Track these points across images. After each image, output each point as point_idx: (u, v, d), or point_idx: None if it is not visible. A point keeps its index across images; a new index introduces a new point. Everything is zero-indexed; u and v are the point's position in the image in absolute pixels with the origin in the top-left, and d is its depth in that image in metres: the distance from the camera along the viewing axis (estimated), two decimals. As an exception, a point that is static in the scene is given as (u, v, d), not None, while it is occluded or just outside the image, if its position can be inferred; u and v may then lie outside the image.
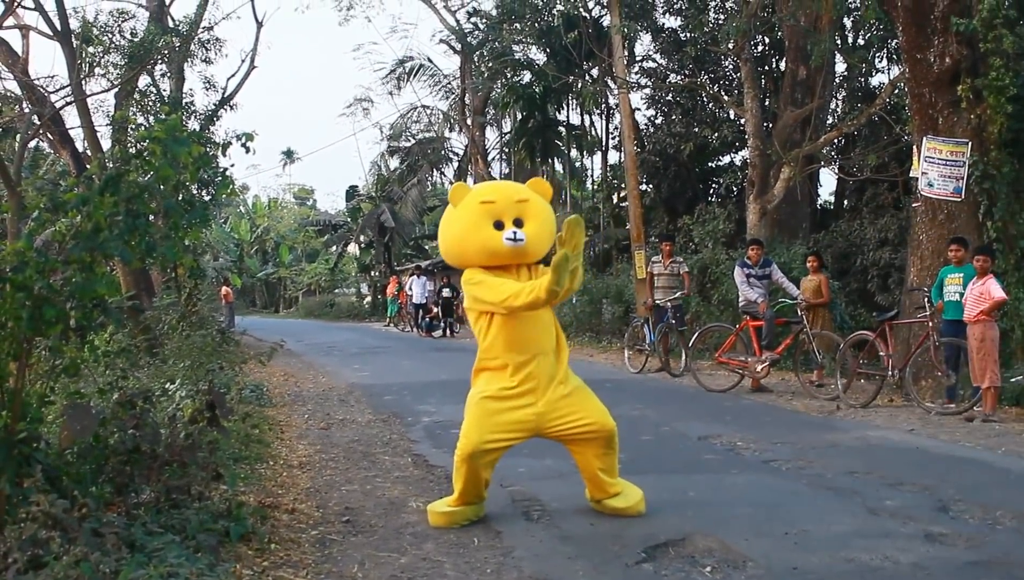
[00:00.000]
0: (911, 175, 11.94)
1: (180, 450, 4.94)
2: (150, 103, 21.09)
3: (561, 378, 5.42)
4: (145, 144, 4.77)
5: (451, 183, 40.07)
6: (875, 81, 22.37)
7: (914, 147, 11.72)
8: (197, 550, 4.27)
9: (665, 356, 14.41)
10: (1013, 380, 10.09)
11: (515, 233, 5.36)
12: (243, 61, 23.23)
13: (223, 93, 23.04)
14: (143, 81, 21.43)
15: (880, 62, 21.33)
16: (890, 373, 10.41)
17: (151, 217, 4.66)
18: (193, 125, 20.92)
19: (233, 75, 24.18)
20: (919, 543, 4.92)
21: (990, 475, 6.86)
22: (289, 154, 71.63)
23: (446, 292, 26.16)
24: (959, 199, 11.05)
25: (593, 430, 5.41)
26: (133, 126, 15.76)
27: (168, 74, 22.04)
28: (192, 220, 4.91)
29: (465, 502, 5.38)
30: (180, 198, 4.93)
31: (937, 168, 11.13)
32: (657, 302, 14.31)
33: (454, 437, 8.26)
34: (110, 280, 4.34)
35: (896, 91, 16.41)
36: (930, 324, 10.07)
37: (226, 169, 6.32)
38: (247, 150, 5.62)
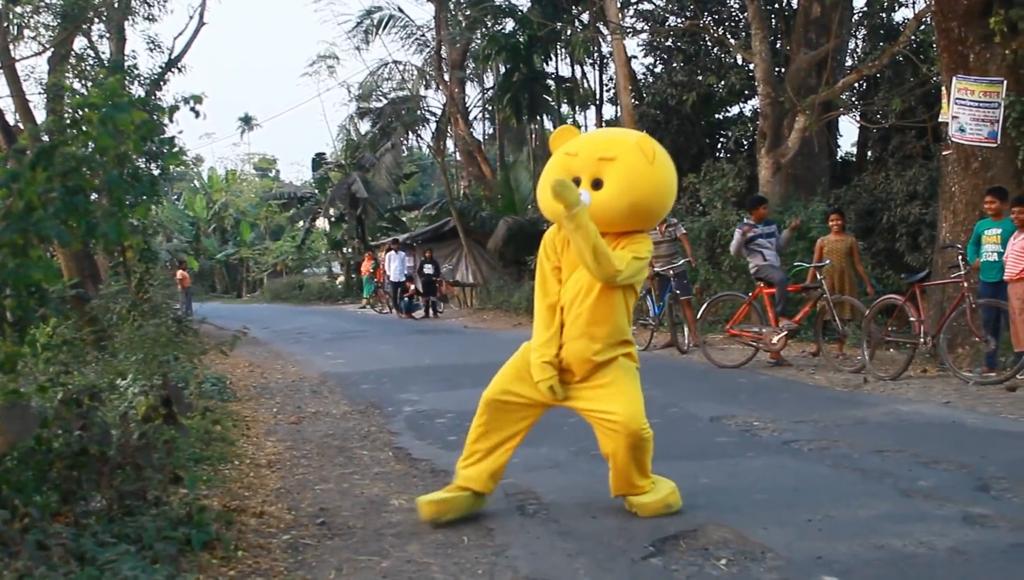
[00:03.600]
0: (940, 120, 11.93)
1: (133, 451, 4.92)
2: (88, 67, 20.97)
3: None
4: (81, 111, 4.73)
5: (429, 146, 40.05)
6: (898, 16, 22.36)
7: (943, 88, 11.70)
8: (155, 560, 4.25)
9: (672, 330, 14.49)
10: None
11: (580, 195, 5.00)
12: (191, 17, 23.19)
13: (170, 54, 22.94)
14: (79, 43, 21.31)
15: (903, -6, 21.30)
16: (922, 340, 10.42)
17: (92, 194, 4.63)
18: (138, 91, 20.79)
19: (180, 33, 24.06)
20: (957, 526, 4.94)
21: (1034, 449, 6.90)
22: (247, 121, 71.72)
23: (428, 268, 26.11)
24: (994, 144, 11.06)
25: None
26: (69, 93, 15.65)
27: (107, 34, 21.91)
28: (138, 196, 4.88)
29: (466, 479, 5.34)
30: (124, 171, 4.90)
31: (969, 111, 11.13)
32: (658, 271, 14.35)
33: (439, 427, 8.36)
34: (48, 265, 4.33)
35: (922, 27, 16.40)
36: (965, 285, 10.06)
37: (173, 137, 6.31)
38: (196, 114, 5.59)
